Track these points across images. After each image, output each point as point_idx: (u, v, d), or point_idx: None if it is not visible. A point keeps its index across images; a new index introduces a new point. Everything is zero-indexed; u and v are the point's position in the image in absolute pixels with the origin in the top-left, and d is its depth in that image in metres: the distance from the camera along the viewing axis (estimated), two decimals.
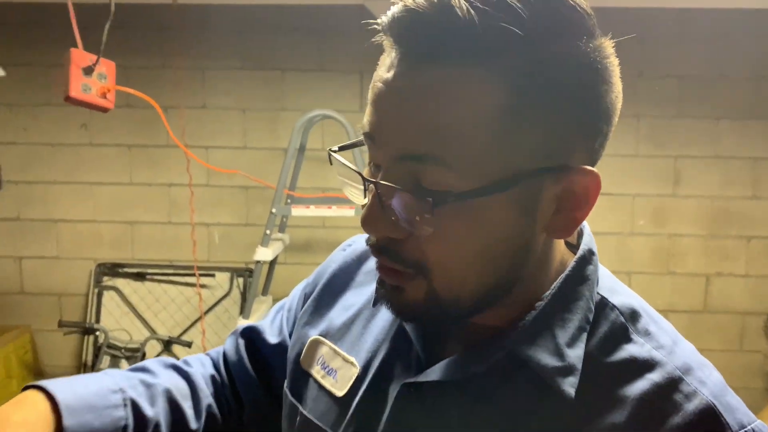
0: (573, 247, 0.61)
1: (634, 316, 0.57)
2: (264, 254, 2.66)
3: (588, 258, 0.58)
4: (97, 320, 3.30)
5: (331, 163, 0.57)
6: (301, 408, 0.68)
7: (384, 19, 0.49)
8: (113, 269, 3.37)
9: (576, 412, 0.52)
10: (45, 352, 3.44)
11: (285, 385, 0.73)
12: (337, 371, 0.66)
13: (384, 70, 0.50)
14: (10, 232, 3.42)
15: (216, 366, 0.81)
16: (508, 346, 0.54)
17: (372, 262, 0.72)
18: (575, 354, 0.54)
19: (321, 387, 0.67)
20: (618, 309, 0.57)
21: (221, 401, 0.78)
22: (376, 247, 0.54)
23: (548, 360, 0.53)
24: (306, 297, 0.77)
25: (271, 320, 0.81)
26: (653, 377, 0.53)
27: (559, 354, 0.53)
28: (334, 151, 0.56)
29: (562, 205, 0.52)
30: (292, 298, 0.81)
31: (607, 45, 0.51)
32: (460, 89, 0.47)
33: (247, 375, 0.79)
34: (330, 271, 0.76)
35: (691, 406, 0.51)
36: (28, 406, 0.59)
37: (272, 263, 3.01)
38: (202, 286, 3.07)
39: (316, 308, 0.74)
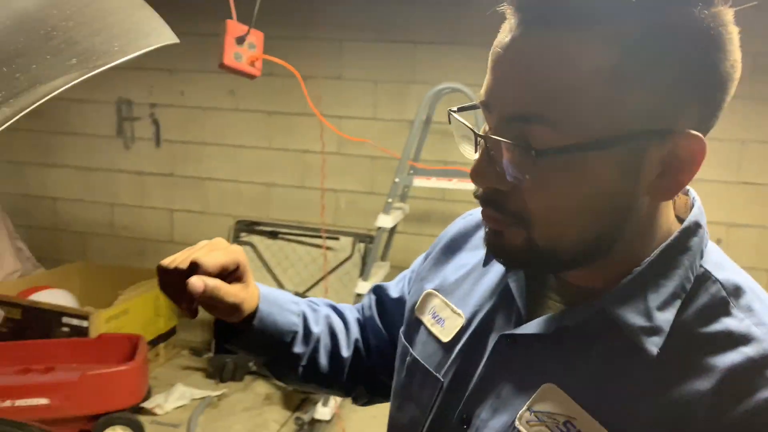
0: (682, 221, 0.61)
1: (737, 291, 0.57)
2: (385, 221, 2.77)
3: (693, 230, 0.58)
4: None
5: (450, 122, 0.61)
6: (411, 350, 0.75)
7: None
8: (250, 226, 3.66)
9: (661, 373, 0.54)
10: None
11: (401, 329, 0.80)
12: (445, 320, 0.72)
13: (503, 36, 0.54)
14: (165, 186, 3.83)
15: (360, 313, 0.93)
16: (601, 305, 0.57)
17: (476, 233, 0.78)
18: (664, 317, 0.55)
19: (430, 333, 0.73)
20: (721, 283, 0.57)
21: (365, 341, 0.90)
22: (483, 198, 0.58)
23: (636, 320, 0.55)
24: (426, 257, 0.84)
25: (397, 280, 0.91)
26: (747, 351, 0.53)
27: (648, 315, 0.55)
28: (454, 112, 0.60)
29: (666, 168, 0.53)
30: (415, 263, 0.89)
31: (726, 12, 0.51)
32: (570, 53, 0.50)
33: (375, 323, 0.89)
34: (449, 234, 0.82)
35: None
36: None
37: (392, 231, 3.12)
38: (328, 248, 3.25)
39: (433, 265, 0.80)
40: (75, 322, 3.11)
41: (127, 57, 0.62)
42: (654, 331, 0.55)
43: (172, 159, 3.79)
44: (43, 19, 0.60)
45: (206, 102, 3.67)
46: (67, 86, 0.53)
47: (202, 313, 0.74)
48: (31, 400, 2.66)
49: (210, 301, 0.69)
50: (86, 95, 3.80)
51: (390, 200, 2.71)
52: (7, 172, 4.02)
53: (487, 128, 0.57)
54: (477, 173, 0.56)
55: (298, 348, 0.80)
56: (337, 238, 3.35)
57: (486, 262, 0.71)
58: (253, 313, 0.75)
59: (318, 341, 0.83)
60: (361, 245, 3.40)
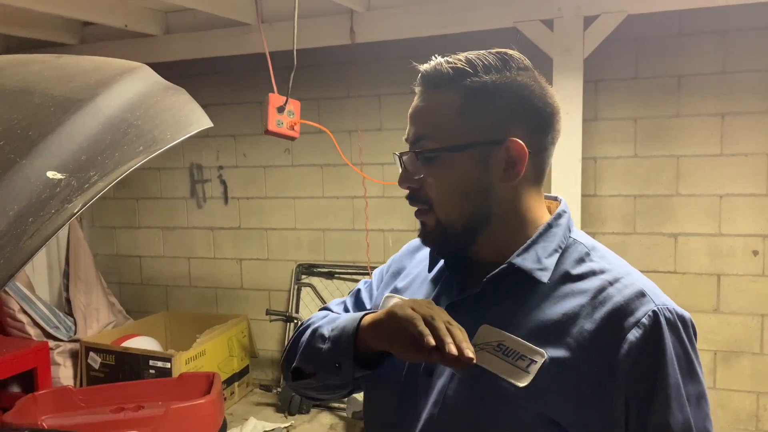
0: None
1: (594, 248, 0.90)
2: None
3: (561, 215, 0.91)
4: (296, 311, 3.95)
5: (393, 161, 0.94)
6: None
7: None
8: (309, 269, 3.99)
9: (551, 298, 0.84)
10: (257, 337, 4.19)
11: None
12: None
13: (413, 102, 0.92)
14: (233, 239, 4.25)
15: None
16: (509, 262, 0.85)
17: (421, 253, 1.05)
18: (549, 262, 0.86)
19: None
20: (584, 244, 0.90)
21: None
22: (409, 196, 0.90)
23: (531, 264, 0.85)
24: (382, 274, 1.11)
25: (366, 287, 1.17)
26: (605, 277, 0.84)
27: (539, 261, 0.86)
28: (397, 154, 0.93)
29: (507, 164, 0.85)
30: (373, 277, 1.15)
31: (538, 77, 0.88)
32: (438, 101, 0.88)
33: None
34: (396, 257, 1.12)
35: (628, 290, 0.82)
36: None
37: None
38: None
39: (390, 278, 1.08)
40: (160, 364, 3.50)
41: (175, 142, 0.90)
42: (543, 269, 0.85)
43: (239, 213, 4.20)
44: (123, 119, 0.89)
45: (265, 161, 4.08)
46: (136, 166, 0.82)
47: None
48: None
49: None
50: (163, 164, 4.31)
51: None
52: (101, 236, 4.57)
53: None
54: (400, 179, 0.91)
55: None
56: None
57: (430, 269, 0.98)
58: None
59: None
60: None
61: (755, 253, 3.16)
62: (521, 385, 0.79)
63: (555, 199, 0.96)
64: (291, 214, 4.07)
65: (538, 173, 0.89)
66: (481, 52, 0.87)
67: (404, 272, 1.05)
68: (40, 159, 0.75)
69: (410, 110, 0.91)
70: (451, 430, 0.85)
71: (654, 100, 3.28)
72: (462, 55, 0.87)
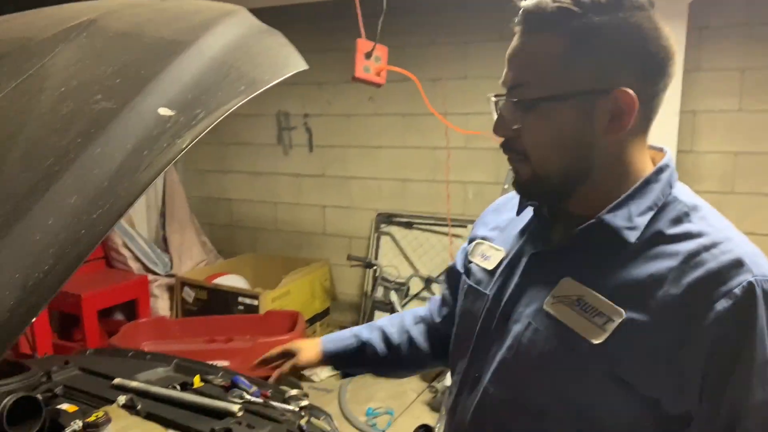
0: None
1: (696, 208, 0.82)
2: None
3: (663, 169, 0.84)
4: (376, 258, 4.04)
5: (488, 103, 0.91)
6: (467, 280, 1.03)
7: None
8: (389, 218, 4.05)
9: (639, 258, 0.80)
10: (338, 281, 4.33)
11: (460, 269, 1.09)
12: (491, 257, 1.00)
13: (512, 42, 0.85)
14: (317, 186, 4.36)
15: (443, 296, 1.24)
16: (599, 218, 0.82)
17: (507, 212, 1.04)
18: (641, 220, 0.81)
19: (479, 267, 1.01)
20: (684, 203, 0.83)
21: (429, 322, 1.24)
22: (503, 145, 0.86)
23: (621, 222, 0.81)
24: (477, 223, 1.12)
25: (458, 255, 1.20)
26: (701, 241, 0.78)
27: (629, 219, 0.81)
28: (492, 96, 0.90)
29: (613, 115, 0.79)
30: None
31: (648, 16, 0.78)
32: (540, 43, 0.80)
33: (447, 294, 1.21)
34: (491, 206, 1.13)
35: (725, 257, 0.75)
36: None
37: None
38: (455, 235, 3.53)
39: (482, 225, 1.09)
40: (248, 301, 3.72)
41: (274, 82, 0.94)
42: (633, 228, 0.81)
43: (323, 161, 4.30)
44: (224, 61, 0.94)
45: (349, 109, 4.12)
46: (238, 105, 0.86)
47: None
48: (216, 362, 3.26)
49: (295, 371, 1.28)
50: (252, 110, 4.45)
51: (506, 186, 2.93)
52: (194, 179, 4.82)
53: None
54: (495, 127, 0.86)
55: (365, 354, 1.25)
56: (464, 226, 3.62)
57: (519, 212, 0.98)
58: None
59: (372, 344, 1.25)
60: None
61: None
62: (595, 342, 0.78)
63: (661, 150, 0.89)
64: (373, 164, 4.11)
65: (645, 123, 0.83)
66: None
67: (498, 217, 1.06)
68: (152, 97, 0.80)
69: (508, 52, 0.84)
70: (523, 376, 0.86)
71: (766, 48, 3.02)
72: None
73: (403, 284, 3.68)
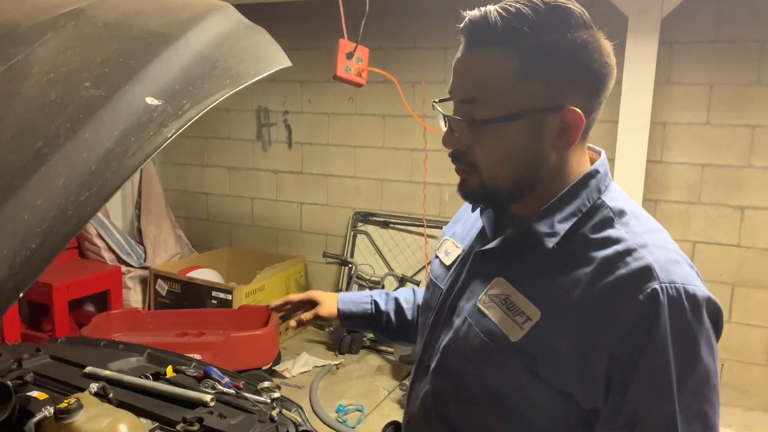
0: None
1: (621, 213, 0.85)
2: None
3: (592, 174, 0.87)
4: (351, 255, 4.08)
5: (433, 109, 0.94)
6: (430, 274, 1.09)
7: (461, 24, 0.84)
8: (366, 217, 4.09)
9: (562, 262, 0.83)
10: (313, 278, 4.36)
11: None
12: (451, 253, 1.05)
13: (457, 53, 0.86)
14: (296, 183, 4.38)
15: None
16: (528, 224, 0.87)
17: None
18: (562, 227, 0.84)
19: (441, 262, 1.07)
20: (610, 208, 0.85)
21: None
22: (452, 156, 0.88)
23: (543, 228, 0.85)
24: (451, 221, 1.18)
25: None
26: (617, 247, 0.80)
27: (551, 226, 0.85)
28: (437, 102, 0.93)
29: (561, 131, 0.82)
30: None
31: (595, 34, 0.81)
32: (489, 60, 0.81)
33: None
34: (460, 211, 1.16)
35: (635, 264, 0.78)
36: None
37: None
38: (430, 236, 3.58)
39: (451, 224, 1.14)
40: (222, 295, 3.72)
41: (259, 77, 0.97)
42: (553, 234, 0.84)
43: (302, 159, 4.32)
44: (210, 55, 0.96)
45: (330, 108, 4.15)
46: (223, 97, 0.88)
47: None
48: (187, 356, 3.27)
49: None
50: (232, 106, 4.45)
51: None
52: (172, 172, 4.80)
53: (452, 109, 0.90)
54: (445, 140, 0.88)
55: (383, 308, 1.30)
56: (440, 227, 3.67)
57: (473, 210, 1.04)
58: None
59: (388, 314, 1.30)
60: None
61: None
62: (513, 340, 0.83)
63: (598, 153, 0.92)
64: (351, 163, 4.15)
65: (586, 133, 0.85)
66: (537, 2, 0.78)
67: (460, 222, 1.11)
68: (141, 86, 0.83)
69: (456, 62, 0.84)
70: (459, 367, 0.91)
71: (733, 65, 3.13)
72: (515, 6, 0.79)
73: (377, 283, 3.72)
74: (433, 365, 0.96)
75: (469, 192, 0.89)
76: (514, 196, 0.87)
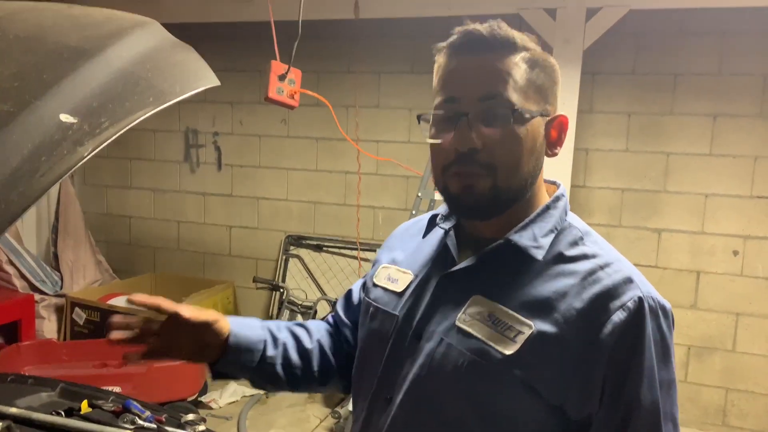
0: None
1: (588, 233, 0.93)
2: None
3: (559, 198, 0.95)
4: (283, 280, 4.00)
5: (419, 122, 0.93)
6: (372, 302, 1.03)
7: (448, 42, 0.88)
8: (298, 240, 4.03)
9: (544, 276, 0.87)
10: (243, 304, 4.23)
11: (362, 296, 1.09)
12: (398, 280, 1.02)
13: (450, 63, 0.88)
14: (224, 205, 4.27)
15: (331, 318, 1.20)
16: (506, 238, 0.89)
17: (416, 226, 1.08)
18: (545, 241, 0.89)
19: (386, 290, 1.03)
20: (578, 228, 0.93)
21: (334, 342, 1.15)
22: (463, 156, 0.86)
23: (527, 242, 0.89)
24: (381, 250, 1.14)
25: (357, 286, 1.19)
26: (596, 261, 0.88)
27: (535, 239, 0.89)
28: (421, 114, 0.94)
29: (555, 138, 0.91)
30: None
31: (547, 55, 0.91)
32: (504, 62, 0.86)
33: (341, 318, 1.17)
34: (395, 233, 1.15)
35: (617, 275, 0.85)
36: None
37: None
38: (364, 259, 3.57)
39: (385, 253, 1.11)
40: None
41: (184, 96, 0.93)
42: (539, 247, 0.89)
43: (231, 181, 4.22)
44: (133, 72, 0.92)
45: (261, 130, 4.09)
46: (146, 116, 0.84)
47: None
48: (106, 388, 3.08)
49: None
50: (159, 126, 4.30)
51: (414, 212, 3.01)
52: (92, 194, 4.57)
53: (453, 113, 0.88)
54: (462, 138, 0.85)
55: (271, 351, 1.06)
56: (374, 250, 3.66)
57: (425, 235, 1.02)
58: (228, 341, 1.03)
59: (285, 343, 1.09)
60: None
61: (735, 253, 3.24)
62: (507, 352, 0.83)
63: (553, 183, 0.98)
64: (283, 185, 4.09)
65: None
66: (504, 25, 0.86)
67: (398, 248, 1.08)
68: (54, 102, 0.77)
69: (460, 65, 0.87)
70: (436, 390, 0.89)
71: (649, 96, 3.33)
72: (499, 26, 0.86)
73: (310, 308, 3.66)
74: (399, 397, 0.92)
75: (474, 198, 0.87)
76: (513, 202, 0.89)
